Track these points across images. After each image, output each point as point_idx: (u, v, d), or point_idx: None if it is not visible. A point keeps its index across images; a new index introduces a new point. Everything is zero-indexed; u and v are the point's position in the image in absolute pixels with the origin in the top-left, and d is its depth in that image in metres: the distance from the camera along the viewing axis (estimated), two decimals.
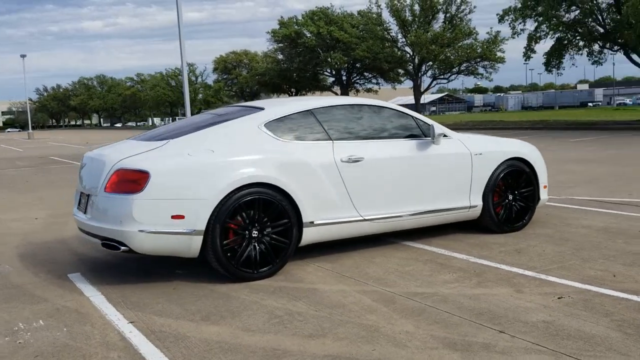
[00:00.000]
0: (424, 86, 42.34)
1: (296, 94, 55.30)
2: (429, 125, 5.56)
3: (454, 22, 38.89)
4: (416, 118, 5.63)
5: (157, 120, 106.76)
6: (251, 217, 4.53)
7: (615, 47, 27.58)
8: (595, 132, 22.78)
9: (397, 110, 5.60)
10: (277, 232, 4.62)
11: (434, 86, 43.53)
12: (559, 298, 3.89)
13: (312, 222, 4.80)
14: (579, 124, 28.23)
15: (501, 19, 28.39)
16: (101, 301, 4.22)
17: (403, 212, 5.29)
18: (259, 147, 4.72)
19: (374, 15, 40.33)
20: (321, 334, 3.43)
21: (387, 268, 4.78)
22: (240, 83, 58.76)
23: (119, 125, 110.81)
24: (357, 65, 46.30)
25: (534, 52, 28.38)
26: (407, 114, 5.62)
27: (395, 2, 38.92)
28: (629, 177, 9.73)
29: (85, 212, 4.76)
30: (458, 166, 5.59)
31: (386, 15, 40.04)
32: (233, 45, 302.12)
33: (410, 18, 38.96)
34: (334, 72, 48.48)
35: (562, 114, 47.20)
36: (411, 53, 40.18)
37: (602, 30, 26.50)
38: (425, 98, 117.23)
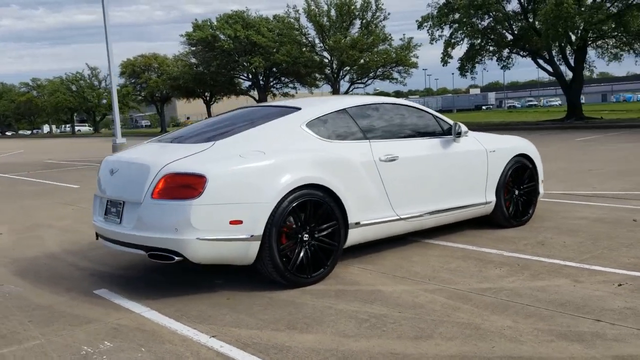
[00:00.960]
0: (342, 90, 42.95)
1: (211, 99, 54.28)
2: (450, 124, 5.67)
3: (370, 28, 39.85)
4: (436, 116, 5.71)
5: (54, 127, 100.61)
6: (302, 220, 4.38)
7: (522, 53, 29.48)
8: (513, 133, 24.18)
9: (420, 109, 5.66)
10: (326, 235, 4.50)
11: (352, 90, 44.30)
12: (619, 285, 4.08)
13: (357, 223, 4.72)
14: (492, 125, 29.86)
15: (420, 26, 29.47)
16: (158, 317, 3.90)
17: (430, 209, 5.33)
18: (305, 148, 4.59)
19: (292, 20, 40.46)
20: (426, 335, 3.38)
21: (432, 266, 4.80)
22: (150, 87, 56.66)
23: (9, 133, 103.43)
24: (274, 69, 46.17)
25: (451, 57, 29.69)
26: (428, 112, 5.69)
27: (313, 7, 39.30)
28: (577, 171, 10.42)
29: (120, 222, 4.39)
30: (476, 163, 5.73)
31: (304, 20, 40.33)
32: (129, 49, 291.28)
33: (327, 23, 39.45)
34: (250, 76, 48.01)
35: (468, 116, 49.74)
36: (329, 57, 40.71)
37: (511, 37, 28.18)
38: None
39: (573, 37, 26.62)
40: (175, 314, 3.93)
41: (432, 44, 29.61)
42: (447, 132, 5.65)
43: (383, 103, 5.43)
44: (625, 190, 8.06)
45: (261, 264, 4.26)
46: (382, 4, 39.65)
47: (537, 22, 27.19)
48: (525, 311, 3.67)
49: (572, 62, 28.58)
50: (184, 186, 4.04)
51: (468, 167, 5.66)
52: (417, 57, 39.30)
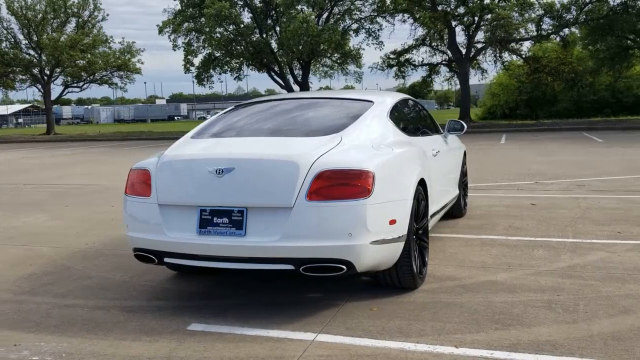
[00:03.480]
0: (53, 95, 38.49)
1: None
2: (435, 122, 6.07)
3: (86, 27, 36.74)
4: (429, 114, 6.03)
5: None
6: (416, 217, 4.20)
7: (259, 66, 31.15)
8: None
9: (421, 105, 5.88)
10: (423, 232, 4.40)
11: (66, 94, 39.98)
12: None
13: (431, 217, 4.73)
14: None
15: (160, 31, 28.54)
16: (348, 339, 3.33)
17: (440, 206, 5.60)
18: (401, 141, 4.41)
19: None
20: (627, 311, 3.69)
21: (491, 255, 5.06)
22: None
23: None
24: None
25: (193, 65, 29.56)
26: (424, 108, 5.96)
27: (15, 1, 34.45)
28: None
29: (245, 234, 3.52)
30: (460, 158, 6.24)
31: (4, 12, 34.84)
32: None
33: (37, 18, 34.89)
34: None
35: (168, 126, 49.88)
36: (38, 56, 36.05)
37: (252, 49, 29.52)
38: (8, 109, 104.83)
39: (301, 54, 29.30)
40: (361, 333, 3.41)
41: (175, 50, 28.98)
42: (439, 130, 6.00)
43: (409, 99, 5.50)
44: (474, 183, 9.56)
45: (393, 267, 3.95)
46: (100, 4, 37.10)
47: (274, 37, 29.19)
48: (628, 277, 4.29)
49: (299, 77, 31.48)
50: (347, 184, 3.51)
51: (457, 162, 6.13)
52: (143, 63, 37.78)
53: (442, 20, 26.98)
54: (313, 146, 3.71)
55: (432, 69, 31.97)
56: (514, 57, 31.74)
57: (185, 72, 29.50)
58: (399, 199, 3.81)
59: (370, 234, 3.52)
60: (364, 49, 39.67)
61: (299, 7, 28.18)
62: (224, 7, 25.43)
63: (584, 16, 27.79)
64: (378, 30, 29.97)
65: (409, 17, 30.38)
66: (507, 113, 36.21)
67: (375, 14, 29.63)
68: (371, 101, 4.62)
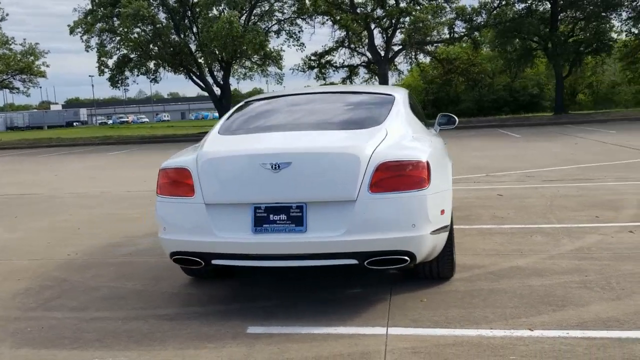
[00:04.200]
0: None
1: None
2: None
3: None
4: None
5: None
6: None
7: (179, 68, 30.24)
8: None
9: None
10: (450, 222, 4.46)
11: None
12: (629, 232, 5.41)
13: None
14: (148, 138, 29.76)
15: (72, 32, 26.99)
16: (419, 331, 3.32)
17: None
18: (427, 132, 4.48)
19: None
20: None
21: (498, 243, 5.22)
22: None
23: None
24: None
25: (107, 66, 28.18)
26: None
27: None
28: None
29: (305, 230, 3.41)
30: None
31: None
32: None
33: None
34: None
35: (72, 132, 47.49)
36: None
37: (171, 51, 28.59)
38: None
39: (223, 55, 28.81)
40: (429, 324, 3.41)
41: (87, 51, 27.50)
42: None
43: (410, 92, 5.55)
44: None
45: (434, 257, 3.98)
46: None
47: (193, 38, 28.48)
48: (636, 256, 4.60)
49: (218, 78, 30.92)
50: (407, 175, 3.49)
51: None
52: (48, 66, 35.58)
53: (362, 22, 27.53)
54: (364, 139, 3.66)
55: (352, 70, 32.53)
56: (429, 58, 32.99)
57: (99, 74, 28.09)
58: (446, 188, 3.85)
59: (430, 224, 3.53)
60: (284, 51, 39.70)
61: (220, 7, 27.73)
62: (142, 7, 24.47)
63: (493, 19, 29.38)
64: (299, 32, 30.11)
65: (328, 19, 30.76)
66: None
67: (295, 16, 29.71)
68: (390, 94, 4.62)
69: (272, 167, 3.46)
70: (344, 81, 32.56)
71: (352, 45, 31.87)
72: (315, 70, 31.91)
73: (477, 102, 40.82)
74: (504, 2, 29.51)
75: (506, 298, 3.80)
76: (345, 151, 3.52)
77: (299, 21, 30.04)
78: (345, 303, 3.86)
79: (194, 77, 30.31)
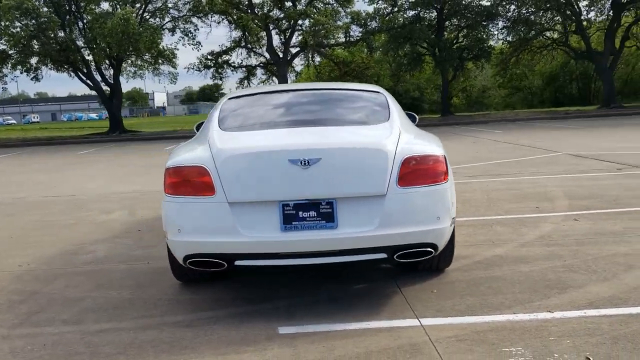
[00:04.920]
0: None
1: None
2: None
3: None
4: None
5: None
6: None
7: (65, 66, 28.27)
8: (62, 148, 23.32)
9: None
10: None
11: None
12: (574, 220, 5.92)
13: None
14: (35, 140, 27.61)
15: None
16: (446, 321, 3.41)
17: None
18: (417, 128, 4.60)
19: None
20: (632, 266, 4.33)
21: (466, 234, 5.44)
22: None
23: None
24: None
25: None
26: None
27: None
28: None
29: (336, 226, 3.38)
30: None
31: None
32: None
33: None
34: None
35: None
36: None
37: (57, 48, 26.64)
38: None
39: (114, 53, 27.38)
40: (455, 313, 3.54)
41: None
42: None
43: None
44: None
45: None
46: None
47: (80, 35, 26.78)
48: (596, 241, 5.05)
49: (109, 77, 29.35)
50: (430, 169, 3.60)
51: None
52: None
53: (261, 23, 27.44)
54: (384, 134, 3.71)
55: (250, 71, 32.32)
56: (326, 60, 33.58)
57: None
58: (453, 182, 4.00)
59: (450, 216, 3.66)
60: (178, 49, 38.43)
61: (107, 2, 26.34)
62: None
63: (386, 25, 30.57)
64: (194, 30, 29.34)
65: (224, 19, 30.31)
66: None
67: (191, 14, 28.93)
68: (377, 91, 4.69)
69: (301, 163, 3.41)
70: (241, 82, 32.29)
71: (250, 46, 31.67)
72: (212, 70, 31.32)
73: None
74: (395, 9, 30.81)
75: (508, 284, 4.01)
76: (374, 146, 3.56)
77: (194, 19, 29.30)
78: (360, 298, 3.88)
79: (81, 75, 28.50)
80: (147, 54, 29.60)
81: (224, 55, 31.15)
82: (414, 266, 4.28)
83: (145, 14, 28.38)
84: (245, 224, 3.42)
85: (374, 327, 3.35)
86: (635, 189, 7.40)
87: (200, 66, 31.24)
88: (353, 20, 30.68)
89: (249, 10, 28.45)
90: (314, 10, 28.58)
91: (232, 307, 3.83)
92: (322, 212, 3.43)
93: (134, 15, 24.10)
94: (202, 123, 6.44)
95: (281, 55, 30.77)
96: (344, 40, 31.38)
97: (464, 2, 30.90)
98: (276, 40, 31.39)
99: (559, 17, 31.00)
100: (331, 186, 3.44)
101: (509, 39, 32.50)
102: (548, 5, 29.36)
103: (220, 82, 31.66)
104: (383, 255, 3.50)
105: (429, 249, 3.56)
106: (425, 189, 3.55)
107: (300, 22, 30.07)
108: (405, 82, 45.14)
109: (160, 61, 30.60)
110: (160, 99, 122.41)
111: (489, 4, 31.02)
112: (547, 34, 32.92)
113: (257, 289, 4.20)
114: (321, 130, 3.89)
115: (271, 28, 29.98)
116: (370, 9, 30.68)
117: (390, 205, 3.46)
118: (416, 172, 3.55)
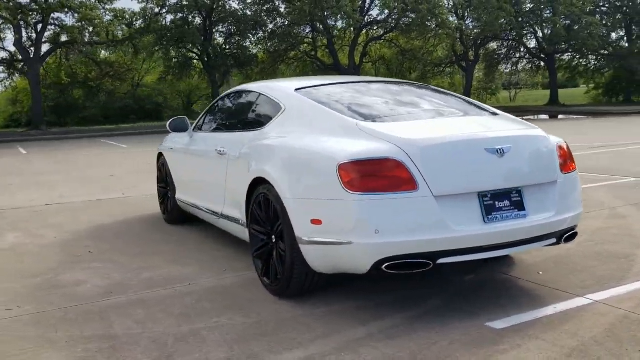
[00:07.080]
0: None
1: None
2: None
3: None
4: None
5: None
6: None
7: None
8: None
9: None
10: None
11: None
12: None
13: None
14: None
15: None
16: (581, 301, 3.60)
17: None
18: None
19: None
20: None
21: None
22: None
23: None
24: None
25: None
26: None
27: None
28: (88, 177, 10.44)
29: (527, 214, 3.39)
30: None
31: None
32: None
33: None
34: None
35: None
36: None
37: None
38: None
39: None
40: (596, 287, 3.80)
41: None
42: None
43: None
44: None
45: None
46: None
47: None
48: None
49: None
50: (568, 157, 3.79)
51: None
52: None
53: (13, 14, 23.47)
54: (512, 125, 3.78)
55: None
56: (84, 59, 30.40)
57: None
58: None
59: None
60: None
61: None
62: None
63: (153, 25, 29.00)
64: None
65: None
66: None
67: None
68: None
69: (497, 152, 3.31)
70: None
71: None
72: None
73: (103, 109, 38.01)
74: (164, 11, 29.52)
75: (585, 262, 4.32)
76: (542, 134, 3.67)
77: None
78: (500, 291, 3.86)
79: None
80: None
81: None
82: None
83: None
84: (454, 219, 3.17)
85: (564, 310, 3.41)
86: None
87: None
88: (116, 17, 28.43)
89: None
90: (77, 3, 25.57)
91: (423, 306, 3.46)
92: (514, 200, 3.37)
93: None
94: (177, 119, 5.53)
95: (33, 52, 26.83)
96: (106, 38, 28.83)
97: (228, 10, 31.23)
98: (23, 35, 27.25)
99: (311, 31, 33.56)
100: (519, 174, 3.42)
101: (268, 49, 33.91)
102: (305, 20, 31.52)
103: None
104: (553, 241, 3.57)
105: (576, 231, 3.77)
106: (574, 175, 3.78)
107: (54, 15, 26.73)
108: (147, 87, 42.33)
109: None
110: None
111: (251, 13, 31.92)
112: (302, 47, 35.28)
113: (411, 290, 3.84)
114: (484, 120, 3.83)
115: (19, 19, 25.92)
116: (137, 8, 28.85)
117: (561, 191, 3.59)
118: (564, 158, 3.74)
